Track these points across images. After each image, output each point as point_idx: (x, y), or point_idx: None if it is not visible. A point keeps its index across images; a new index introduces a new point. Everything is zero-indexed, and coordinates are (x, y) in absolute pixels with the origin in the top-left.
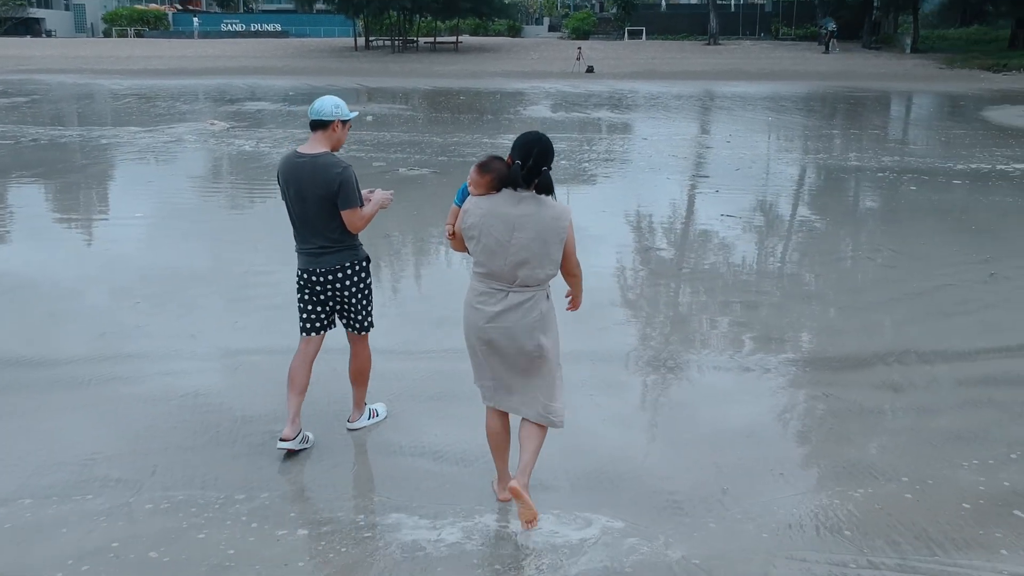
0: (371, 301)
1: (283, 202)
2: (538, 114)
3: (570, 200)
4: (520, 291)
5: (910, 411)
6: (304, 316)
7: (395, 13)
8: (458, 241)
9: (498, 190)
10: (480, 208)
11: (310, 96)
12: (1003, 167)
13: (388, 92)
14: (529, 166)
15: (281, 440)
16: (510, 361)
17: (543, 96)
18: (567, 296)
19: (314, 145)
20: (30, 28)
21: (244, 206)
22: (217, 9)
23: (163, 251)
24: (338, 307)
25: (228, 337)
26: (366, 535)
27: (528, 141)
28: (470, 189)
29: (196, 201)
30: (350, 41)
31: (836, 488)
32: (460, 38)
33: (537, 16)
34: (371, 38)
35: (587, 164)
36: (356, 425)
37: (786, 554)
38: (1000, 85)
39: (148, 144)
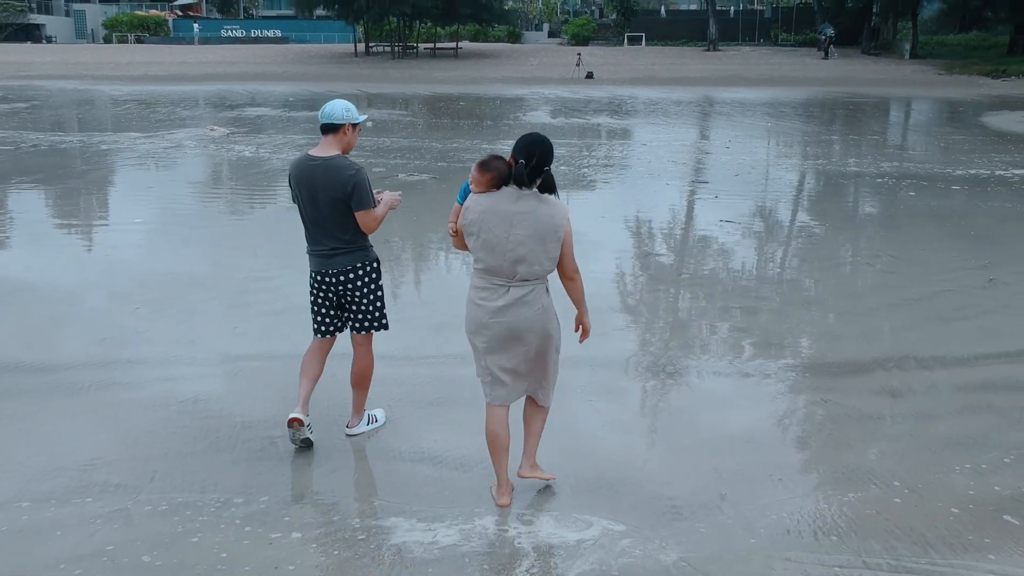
0: (383, 302)
1: (294, 205)
2: (538, 120)
3: (569, 205)
4: (520, 285)
5: (909, 417)
6: (317, 319)
7: (395, 19)
8: (460, 238)
9: (498, 188)
10: (480, 205)
11: (310, 102)
12: (1002, 173)
13: (388, 98)
14: (532, 165)
15: (289, 423)
16: (513, 352)
17: (543, 102)
18: (576, 329)
19: (326, 148)
20: (30, 34)
21: (244, 212)
22: (217, 15)
23: (163, 257)
24: (350, 306)
25: (228, 343)
26: (360, 537)
27: (531, 141)
28: (471, 187)
29: (196, 207)
30: (350, 47)
31: (834, 493)
32: (460, 44)
33: (537, 22)
34: (371, 44)
35: (586, 170)
36: (355, 431)
37: (783, 556)
38: (999, 91)
39: (148, 150)
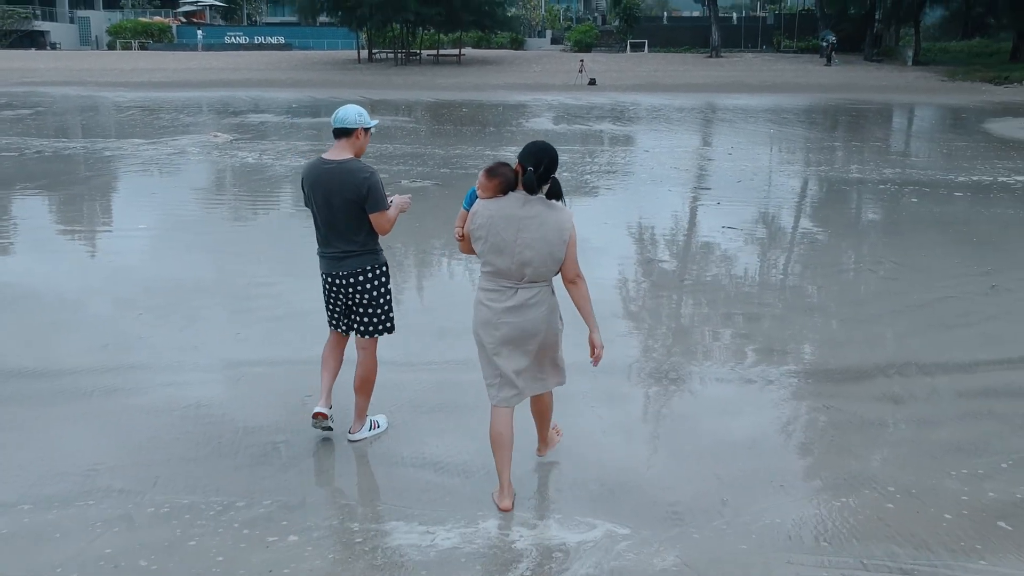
0: (390, 305)
1: (307, 208)
2: (540, 126)
3: (572, 211)
4: (528, 287)
5: (911, 423)
6: (331, 315)
7: (398, 26)
8: (467, 243)
9: (505, 194)
10: (488, 210)
11: (313, 108)
12: (1005, 179)
13: (391, 104)
14: (539, 173)
15: (313, 416)
16: (521, 351)
17: (545, 108)
18: (591, 355)
19: (339, 152)
20: (35, 41)
21: (247, 218)
22: (221, 22)
23: (166, 263)
24: (357, 308)
25: (230, 349)
26: (357, 540)
27: (539, 149)
28: (478, 193)
29: (199, 213)
30: (353, 54)
31: (836, 499)
32: (463, 51)
33: (539, 29)
34: (374, 51)
35: (589, 176)
36: (357, 436)
37: (785, 560)
38: (1002, 97)
39: (151, 156)
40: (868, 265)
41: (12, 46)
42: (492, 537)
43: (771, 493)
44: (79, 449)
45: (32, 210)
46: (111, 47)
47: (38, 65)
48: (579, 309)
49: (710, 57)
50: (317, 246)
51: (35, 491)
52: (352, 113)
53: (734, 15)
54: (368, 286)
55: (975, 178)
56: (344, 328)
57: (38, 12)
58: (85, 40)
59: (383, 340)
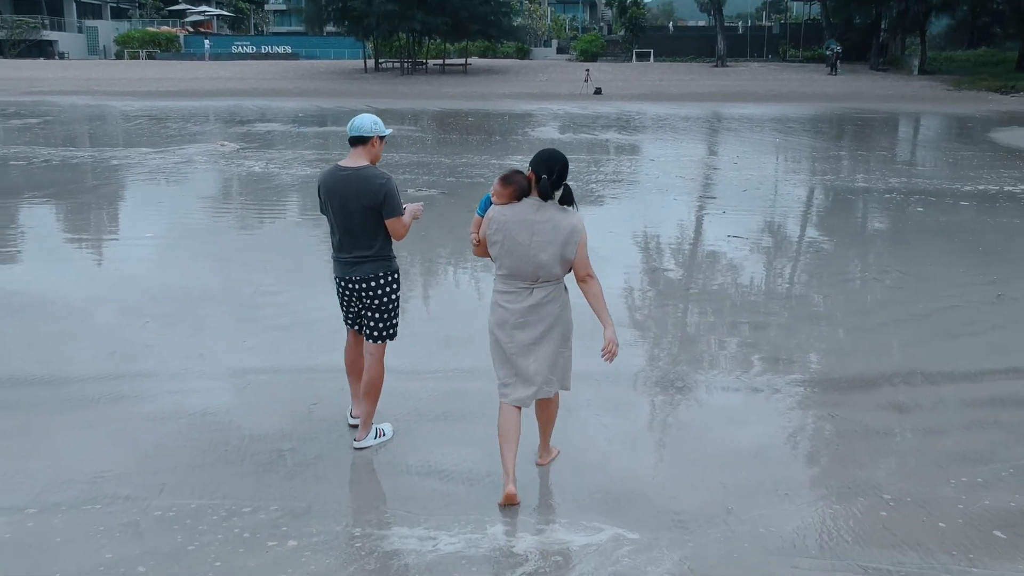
0: (397, 312)
1: (318, 215)
2: (546, 135)
3: None
4: (542, 287)
5: (916, 432)
6: (346, 314)
7: (404, 35)
8: (482, 247)
9: (519, 200)
10: (504, 215)
11: (320, 118)
12: (1011, 188)
13: (397, 113)
14: (553, 180)
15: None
16: (538, 349)
17: (551, 117)
18: (603, 352)
19: (355, 159)
20: (43, 50)
21: (254, 226)
22: (228, 32)
23: (173, 271)
24: (365, 312)
25: (237, 357)
26: (356, 545)
27: (550, 157)
28: (493, 199)
29: (206, 221)
30: (360, 63)
31: (840, 508)
32: (469, 60)
33: (545, 38)
34: (381, 60)
35: (595, 185)
36: (363, 444)
37: (790, 564)
38: (1008, 107)
39: (159, 165)
40: (874, 274)
41: (21, 56)
42: (495, 542)
43: (776, 501)
44: (86, 456)
45: (40, 219)
46: (119, 56)
47: (46, 74)
48: (593, 307)
49: (716, 66)
50: (332, 251)
51: (42, 498)
52: (368, 121)
53: (740, 25)
54: (380, 292)
55: (981, 187)
56: (359, 328)
57: (46, 22)
58: (93, 50)
59: (389, 347)
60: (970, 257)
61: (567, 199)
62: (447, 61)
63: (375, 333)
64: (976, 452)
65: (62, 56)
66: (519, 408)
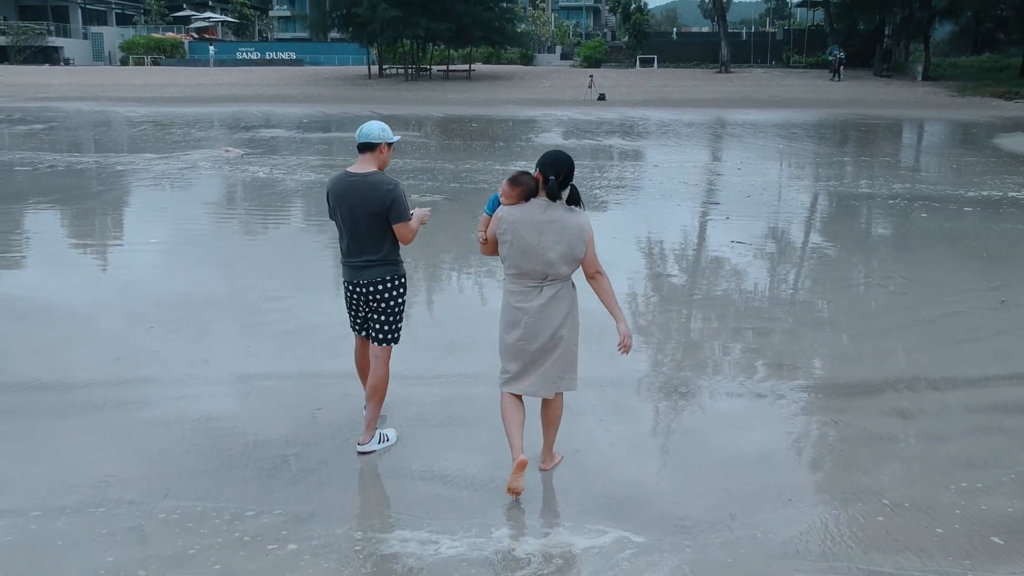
0: (401, 316)
1: (324, 220)
2: (550, 141)
3: None
4: (551, 285)
5: (920, 438)
6: (353, 320)
7: (409, 42)
8: (489, 246)
9: (527, 200)
10: (512, 215)
11: (324, 123)
12: (1015, 194)
13: (401, 119)
14: (560, 180)
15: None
16: (541, 345)
17: (555, 123)
18: (619, 347)
19: (363, 165)
20: (48, 56)
21: (258, 232)
22: (233, 38)
23: (177, 277)
24: (372, 315)
25: (241, 362)
26: (355, 549)
27: (557, 159)
28: (502, 200)
29: (210, 227)
30: (364, 69)
31: (844, 514)
32: (473, 66)
33: (549, 45)
34: (385, 66)
35: (598, 191)
36: (366, 448)
37: (793, 568)
38: (1012, 113)
39: (163, 171)
40: (878, 280)
41: (26, 62)
42: (497, 545)
43: (779, 507)
44: (90, 461)
45: (45, 224)
46: (124, 63)
47: (52, 80)
48: (604, 303)
49: (719, 72)
50: (341, 255)
51: (46, 502)
52: (376, 128)
53: (743, 31)
54: (387, 295)
55: (985, 193)
56: (366, 333)
57: (52, 28)
58: (98, 56)
59: (393, 352)
60: (974, 263)
61: (574, 199)
62: (451, 67)
63: (380, 336)
64: (980, 458)
65: (67, 62)
66: (519, 395)
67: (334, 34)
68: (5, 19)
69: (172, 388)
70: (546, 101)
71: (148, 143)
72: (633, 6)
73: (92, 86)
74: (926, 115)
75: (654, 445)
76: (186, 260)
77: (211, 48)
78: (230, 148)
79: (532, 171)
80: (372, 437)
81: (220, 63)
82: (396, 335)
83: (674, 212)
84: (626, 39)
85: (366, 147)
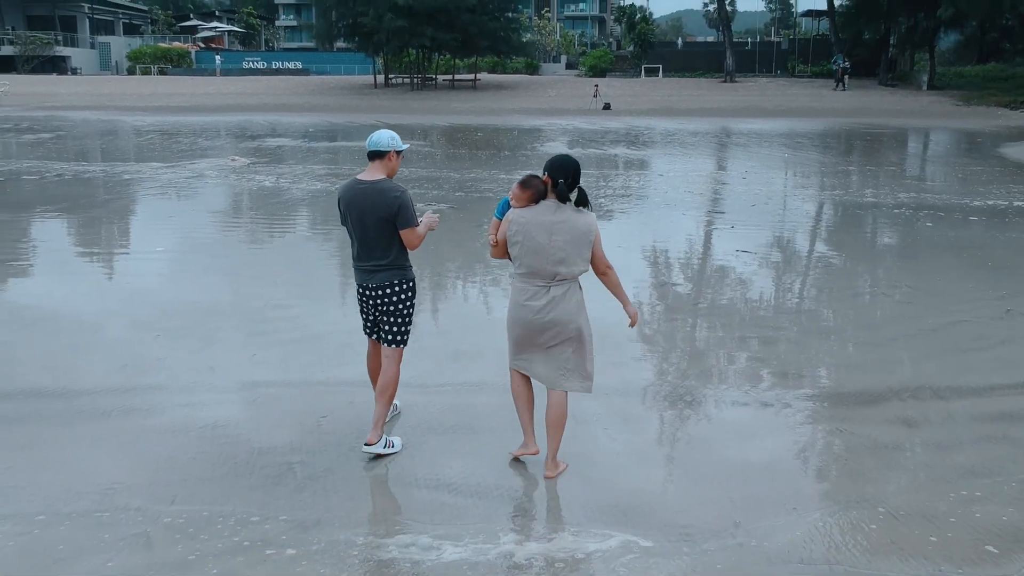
0: (410, 319)
1: (343, 226)
2: (555, 150)
3: None
4: (559, 284)
5: (925, 447)
6: (365, 323)
7: (414, 51)
8: (500, 248)
9: (537, 203)
10: (523, 217)
11: (330, 133)
12: (1020, 204)
13: (407, 129)
14: (568, 183)
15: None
16: (550, 342)
17: (560, 132)
18: (630, 322)
19: (372, 172)
20: (56, 66)
21: (264, 241)
22: (239, 47)
23: (183, 285)
24: (381, 318)
25: (247, 370)
26: (353, 553)
27: (565, 163)
28: (512, 203)
29: (216, 236)
30: (370, 78)
31: (849, 523)
32: (478, 75)
33: (554, 54)
34: (391, 75)
35: (604, 200)
36: (373, 449)
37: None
38: (1017, 122)
39: (170, 179)
40: (883, 289)
41: (34, 71)
42: (500, 550)
43: (784, 516)
44: (97, 468)
45: (52, 233)
46: (131, 72)
47: (59, 90)
48: (613, 292)
49: (724, 82)
50: (352, 260)
51: (53, 508)
52: (385, 137)
53: (748, 40)
54: (395, 299)
55: (990, 202)
56: (377, 336)
57: (60, 38)
58: (105, 65)
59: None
60: (979, 272)
61: (582, 201)
62: (456, 77)
63: (389, 338)
64: (985, 467)
65: (75, 72)
66: (527, 376)
67: (340, 44)
68: (13, 29)
69: (178, 395)
70: (551, 110)
71: (155, 152)
72: (638, 16)
73: (99, 95)
74: (931, 124)
75: (659, 454)
76: (192, 268)
77: (217, 58)
78: (236, 157)
79: (541, 175)
80: (380, 436)
81: (226, 72)
82: (405, 337)
83: (679, 221)
84: (631, 48)
85: (375, 155)
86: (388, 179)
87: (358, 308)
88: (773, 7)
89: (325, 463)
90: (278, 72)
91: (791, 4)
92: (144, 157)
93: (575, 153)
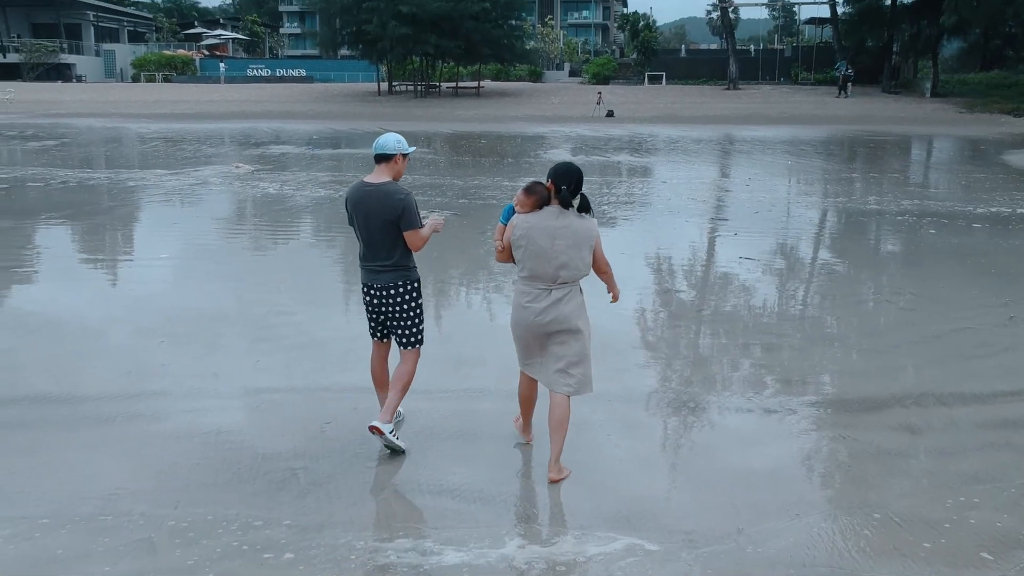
0: (421, 319)
1: (351, 227)
2: (559, 157)
3: None
4: (561, 287)
5: (928, 454)
6: (370, 323)
7: (418, 59)
8: (505, 253)
9: (540, 208)
10: (527, 222)
11: (334, 140)
12: (1023, 211)
13: (410, 136)
14: (571, 189)
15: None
16: (550, 343)
17: (563, 140)
18: (610, 295)
19: (379, 175)
20: (61, 73)
21: (268, 248)
22: (243, 55)
23: (188, 292)
24: (390, 321)
25: (251, 376)
26: (351, 557)
27: (568, 170)
28: (516, 208)
29: (220, 242)
30: (374, 86)
31: (851, 529)
32: (482, 83)
33: (558, 61)
34: (394, 83)
35: (607, 207)
36: (381, 424)
37: None
38: (1021, 129)
39: (174, 187)
40: (887, 296)
41: (39, 79)
42: (502, 553)
43: (787, 522)
44: (101, 474)
45: (56, 239)
46: (135, 79)
47: (64, 97)
48: (607, 284)
49: (728, 89)
50: (359, 260)
51: (57, 513)
52: (391, 140)
53: (752, 48)
54: (399, 299)
55: (994, 210)
56: (380, 335)
57: (65, 46)
58: (110, 73)
59: None
60: (983, 279)
61: (585, 207)
62: (460, 84)
63: (403, 340)
64: (988, 473)
65: (80, 79)
66: (535, 379)
67: (344, 51)
68: (18, 37)
69: (182, 401)
70: (555, 118)
71: (159, 159)
72: (642, 23)
73: (104, 103)
74: (935, 131)
75: (662, 460)
76: (196, 275)
77: (222, 65)
78: (240, 164)
79: (545, 181)
80: (389, 423)
81: (231, 80)
82: (420, 336)
83: (682, 228)
84: (635, 56)
85: (382, 158)
86: (394, 182)
87: (364, 309)
88: (776, 15)
89: (328, 469)
90: (282, 79)
91: (794, 12)
92: (148, 164)
93: (578, 160)
